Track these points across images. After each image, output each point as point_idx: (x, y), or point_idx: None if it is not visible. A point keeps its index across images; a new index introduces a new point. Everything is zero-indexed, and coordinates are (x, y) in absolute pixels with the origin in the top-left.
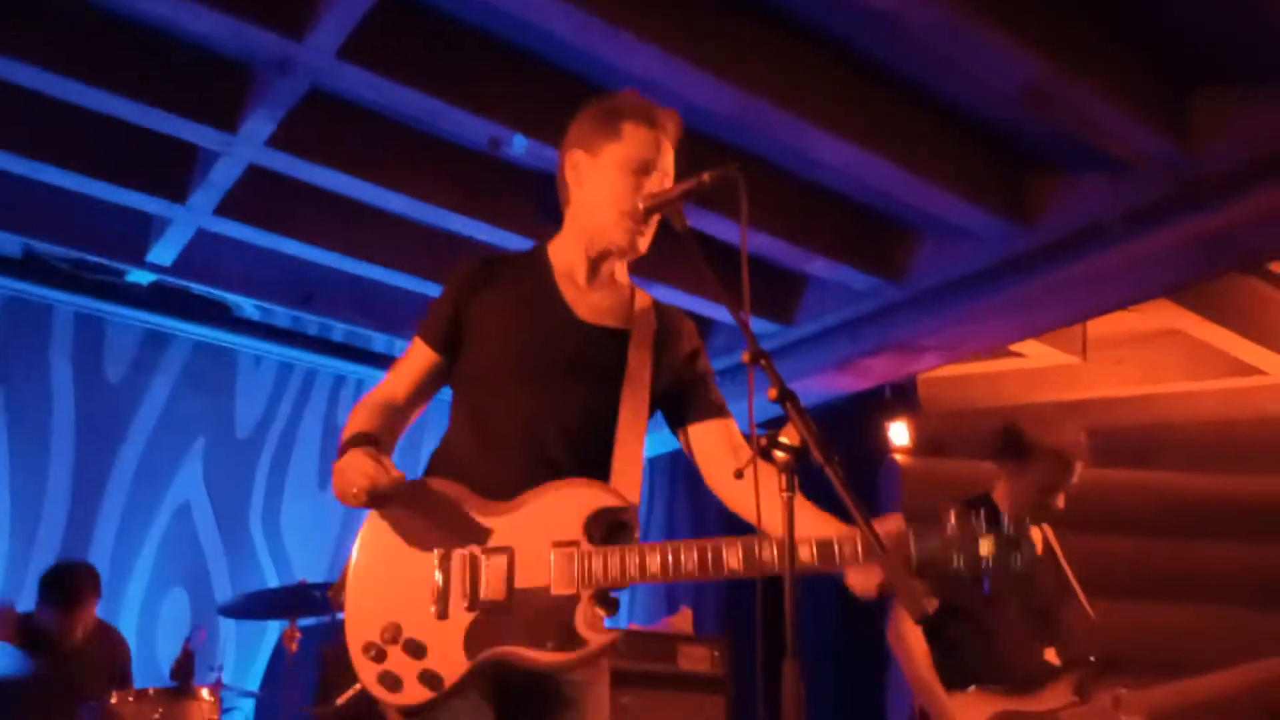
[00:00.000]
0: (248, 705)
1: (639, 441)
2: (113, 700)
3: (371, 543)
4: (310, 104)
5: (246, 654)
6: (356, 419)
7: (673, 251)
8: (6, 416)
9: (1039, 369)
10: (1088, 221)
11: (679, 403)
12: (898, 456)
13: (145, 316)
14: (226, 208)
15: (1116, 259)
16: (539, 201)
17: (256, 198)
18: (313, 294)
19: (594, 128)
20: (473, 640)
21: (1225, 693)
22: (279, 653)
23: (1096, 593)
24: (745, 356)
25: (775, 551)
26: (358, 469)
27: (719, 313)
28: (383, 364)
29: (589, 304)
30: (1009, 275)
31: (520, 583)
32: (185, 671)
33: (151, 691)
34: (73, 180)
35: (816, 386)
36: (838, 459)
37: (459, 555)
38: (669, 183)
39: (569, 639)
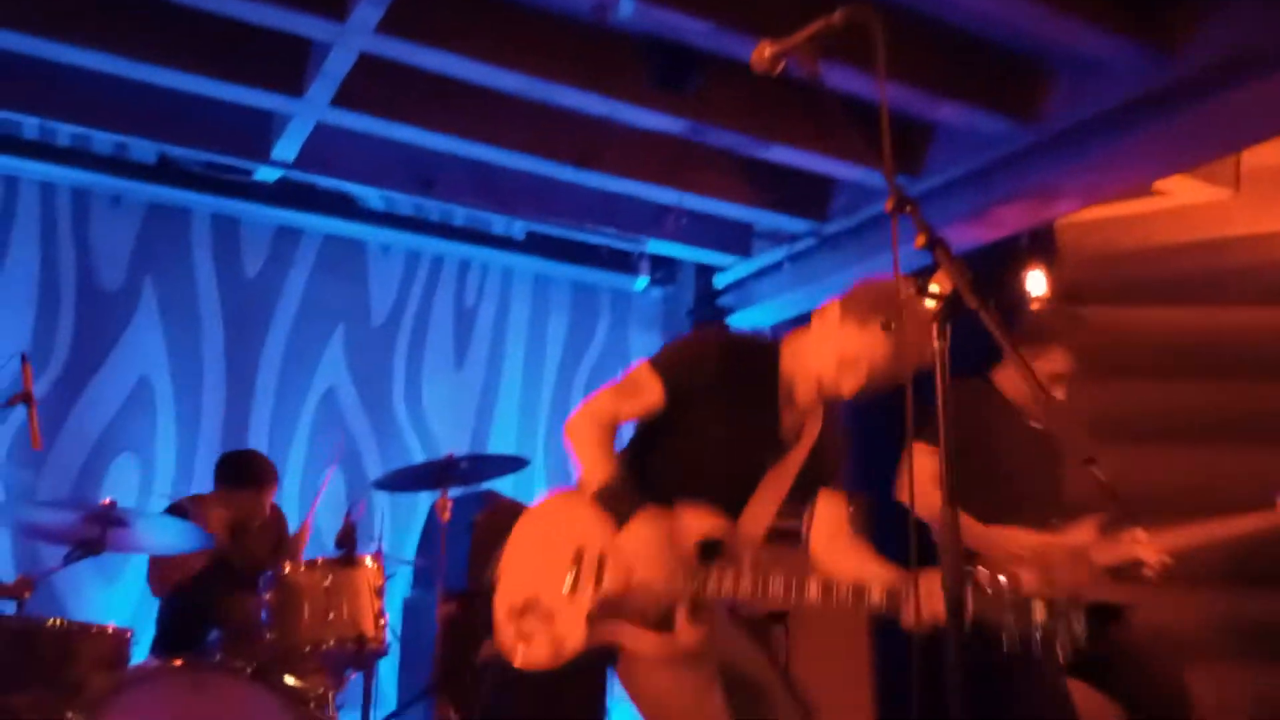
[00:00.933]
0: (406, 571)
1: (772, 506)
2: (286, 570)
3: (525, 530)
4: None
5: (400, 525)
6: (608, 458)
7: (791, 109)
8: (161, 316)
9: (1185, 207)
10: (1238, 48)
11: None
12: (1036, 306)
13: (276, 212)
14: (343, 98)
15: (1272, 87)
16: (648, 68)
17: (371, 86)
18: (433, 180)
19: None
20: (591, 618)
21: (1245, 535)
22: (432, 522)
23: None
24: (889, 205)
25: (847, 592)
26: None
27: (840, 170)
28: (504, 246)
29: (792, 422)
30: (1151, 110)
31: (636, 580)
32: (349, 541)
33: (320, 561)
34: (195, 83)
35: (948, 239)
36: (992, 302)
37: (592, 550)
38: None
39: (667, 625)
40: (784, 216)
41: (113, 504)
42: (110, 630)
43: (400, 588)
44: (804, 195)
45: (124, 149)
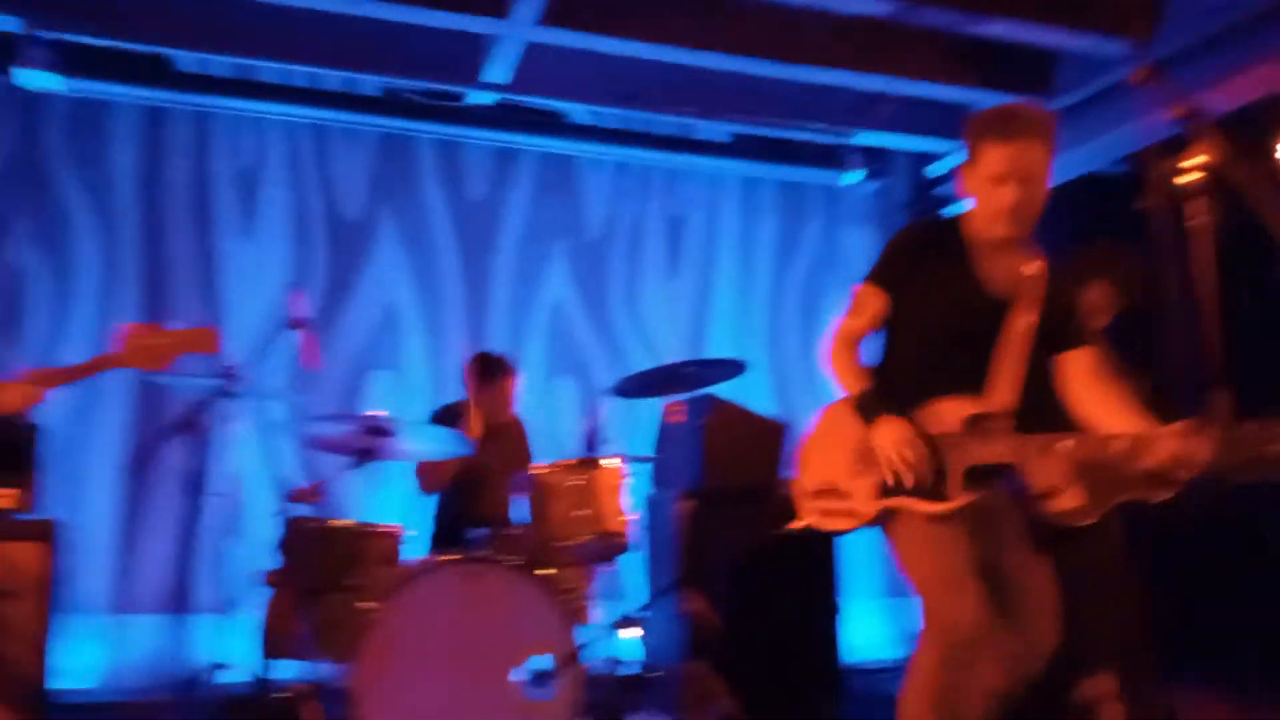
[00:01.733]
0: (643, 471)
1: (1017, 378)
2: (538, 472)
3: (820, 426)
4: None
5: (639, 426)
6: (858, 376)
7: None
8: (401, 242)
9: None
10: None
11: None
12: None
13: (492, 135)
14: (548, 18)
15: None
16: None
17: (575, 3)
18: (636, 91)
19: (968, 142)
20: (881, 490)
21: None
22: (663, 425)
23: None
24: (1137, 76)
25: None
26: (908, 452)
27: (1065, 42)
28: (706, 151)
29: (1002, 279)
30: None
31: (906, 459)
32: (592, 443)
33: (567, 463)
34: (409, 13)
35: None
36: (1272, 166)
37: (877, 437)
38: (1015, 197)
39: (940, 495)
40: (1002, 95)
41: (383, 415)
42: (388, 529)
43: (641, 486)
44: (1024, 71)
45: (353, 84)
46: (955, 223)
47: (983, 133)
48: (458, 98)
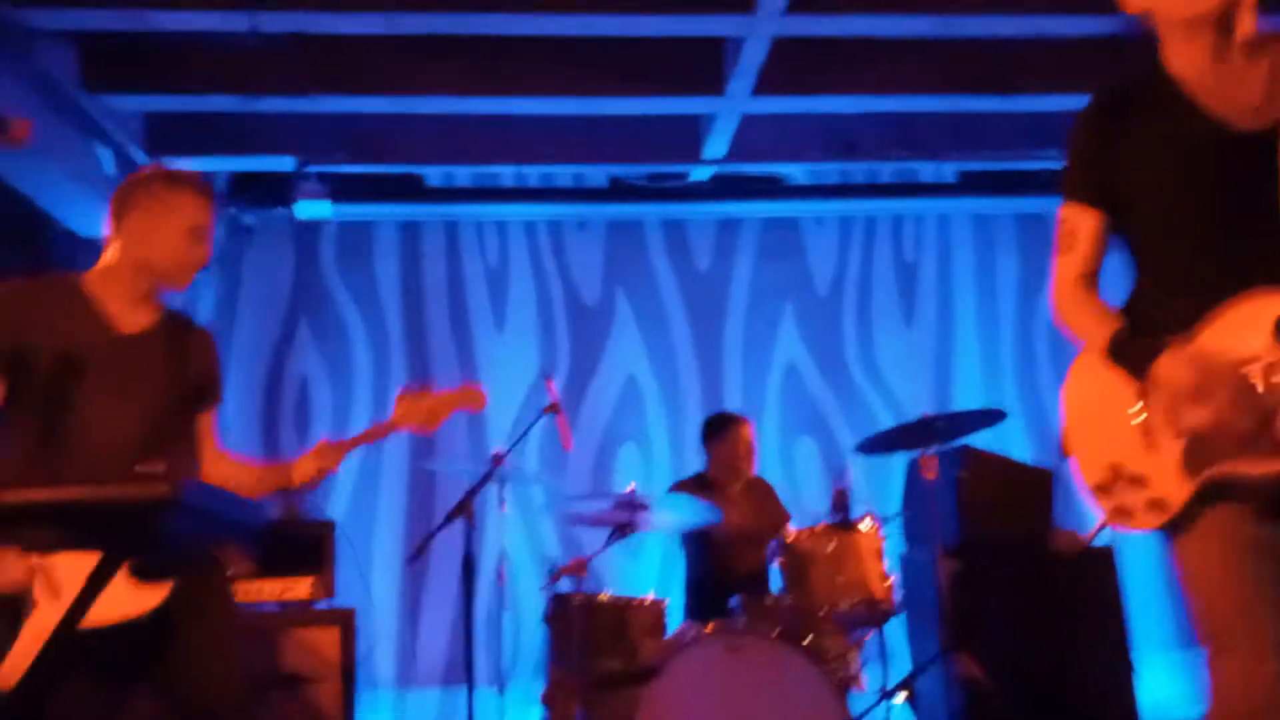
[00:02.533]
0: (894, 529)
1: None
2: (792, 537)
3: (1074, 401)
4: None
5: (879, 484)
6: (1103, 317)
7: None
8: (635, 320)
9: None
10: None
11: None
12: None
13: (715, 208)
14: (761, 87)
15: None
16: None
17: (786, 68)
18: (855, 143)
19: None
20: (1190, 465)
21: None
22: (913, 480)
23: None
24: None
25: None
26: (1217, 392)
27: None
28: (932, 193)
29: (1244, 103)
30: None
31: (1214, 403)
32: (843, 507)
33: (820, 528)
34: (630, 105)
35: None
36: None
37: (1154, 391)
38: None
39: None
40: None
41: (635, 489)
42: (650, 601)
43: (894, 546)
44: None
45: (581, 178)
46: (1150, 68)
47: None
48: (681, 176)
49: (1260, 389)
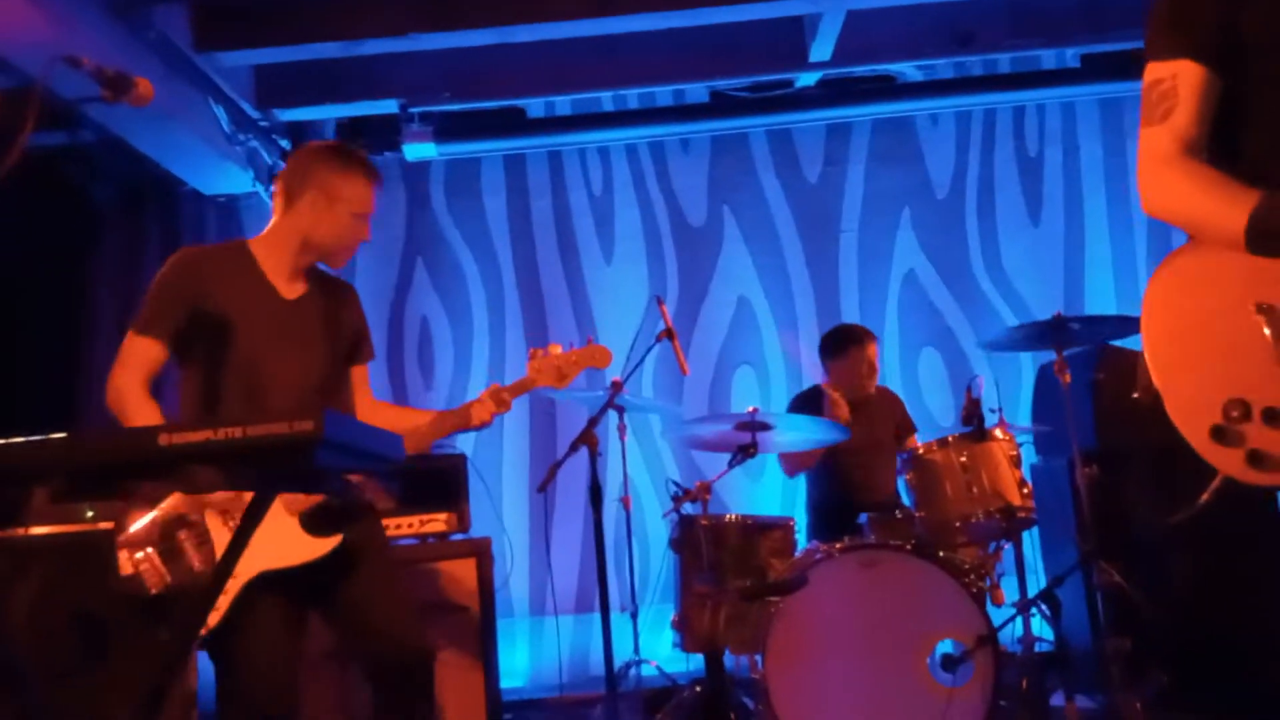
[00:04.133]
0: (1028, 437)
1: None
2: (920, 450)
3: (1164, 319)
4: None
5: (1008, 392)
6: (1231, 190)
7: None
8: (744, 239)
9: None
10: None
11: None
12: None
13: (822, 114)
14: None
15: None
16: None
17: None
18: (971, 32)
19: None
20: None
21: None
22: (1045, 385)
23: None
24: None
25: None
26: None
27: None
28: (1058, 81)
29: None
30: None
31: None
32: (976, 416)
33: (952, 439)
34: (726, 12)
35: None
36: None
37: None
38: None
39: None
40: None
41: (756, 410)
42: (778, 521)
43: (1026, 455)
44: None
45: (681, 95)
46: None
47: None
48: (786, 84)
49: None
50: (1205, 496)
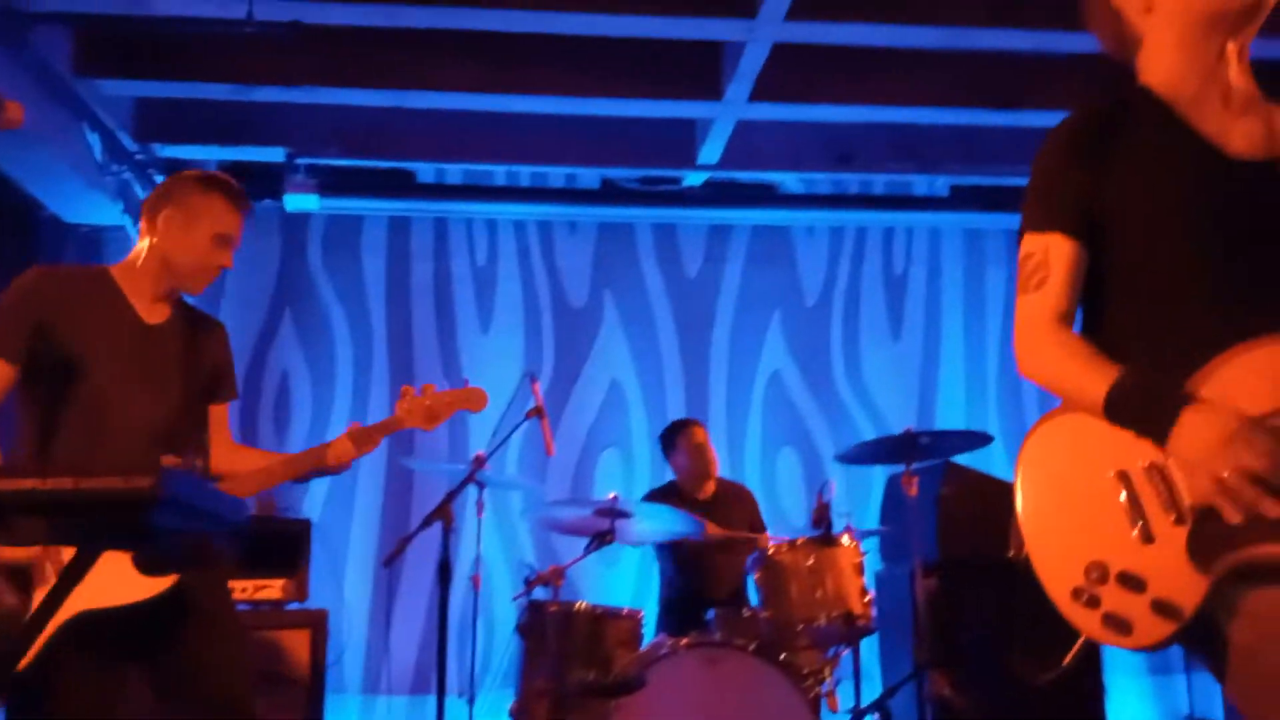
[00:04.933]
0: (872, 544)
1: None
2: (770, 551)
3: (1035, 480)
4: None
5: (858, 498)
6: (1095, 361)
7: None
8: (621, 323)
9: None
10: None
11: None
12: None
13: (706, 213)
14: (758, 93)
15: None
16: None
17: (785, 75)
18: (850, 154)
19: None
20: (1201, 555)
21: None
22: (893, 496)
23: None
24: None
25: None
26: (1259, 459)
27: None
28: (927, 207)
29: (1240, 134)
30: None
31: (1235, 465)
32: (824, 520)
33: (800, 541)
34: (625, 106)
35: None
36: None
37: (1138, 469)
38: None
39: None
40: None
41: (617, 498)
42: (626, 613)
43: (870, 562)
44: None
45: (574, 179)
46: (1132, 90)
47: None
48: (674, 181)
49: None
50: (1068, 659)
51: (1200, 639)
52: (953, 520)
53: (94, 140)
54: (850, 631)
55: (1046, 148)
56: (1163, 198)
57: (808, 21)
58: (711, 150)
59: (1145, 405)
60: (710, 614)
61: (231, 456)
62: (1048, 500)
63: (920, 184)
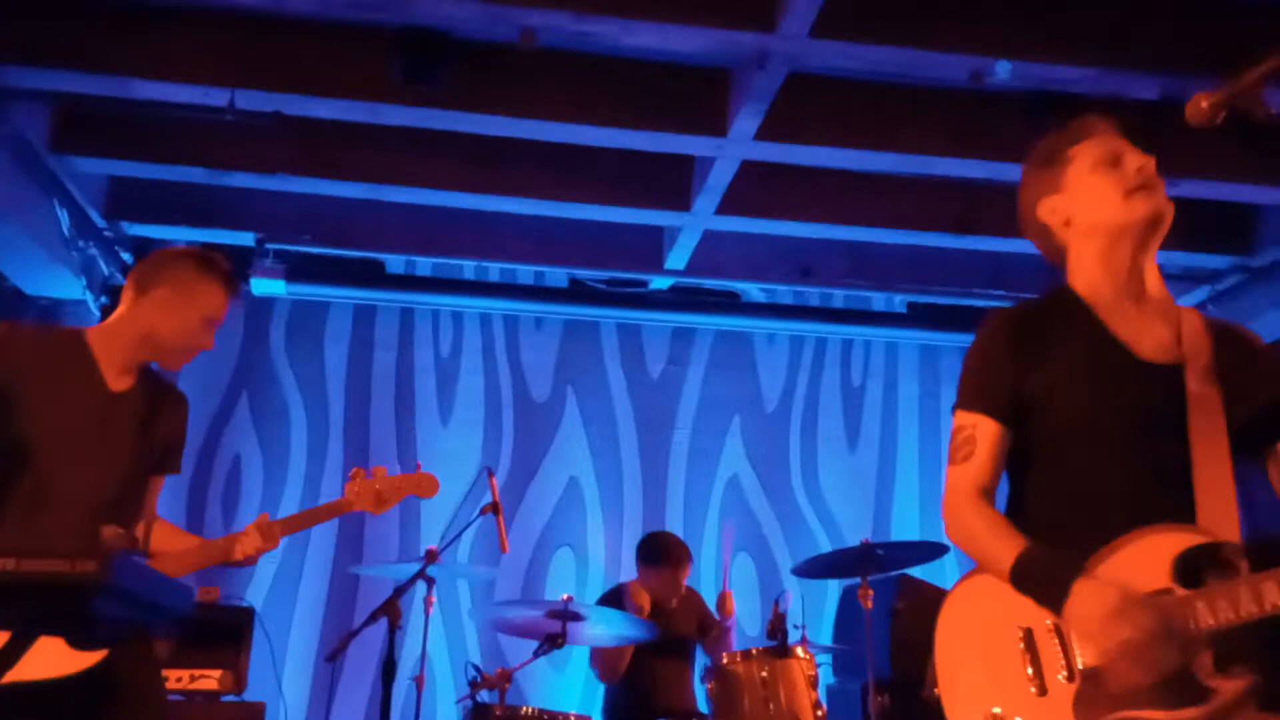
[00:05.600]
0: (827, 659)
1: (1225, 476)
2: (724, 661)
3: (951, 630)
4: (790, 89)
5: (812, 609)
6: (1006, 533)
7: (1199, 140)
8: (582, 421)
9: None
10: None
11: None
12: None
13: (671, 317)
14: (725, 206)
15: None
16: (1029, 124)
17: (751, 190)
18: (811, 268)
19: (1043, 173)
20: (1084, 712)
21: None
22: (847, 608)
23: None
24: None
25: None
26: (1138, 632)
27: (1269, 197)
28: (884, 322)
29: (1150, 339)
30: None
31: (1119, 645)
32: (780, 631)
33: (755, 651)
34: (596, 211)
35: None
36: None
37: (1041, 627)
38: (1144, 161)
39: (1193, 692)
40: (1201, 255)
41: (570, 600)
42: (574, 718)
43: (823, 675)
44: (1224, 229)
45: (541, 277)
46: (1058, 291)
47: (1058, 147)
48: (640, 284)
49: (1190, 626)
50: None
51: None
52: (906, 634)
53: (63, 215)
54: None
55: (984, 334)
56: (1080, 394)
57: (775, 142)
58: (678, 257)
59: (1044, 576)
60: None
61: (158, 530)
62: (959, 650)
63: (878, 299)
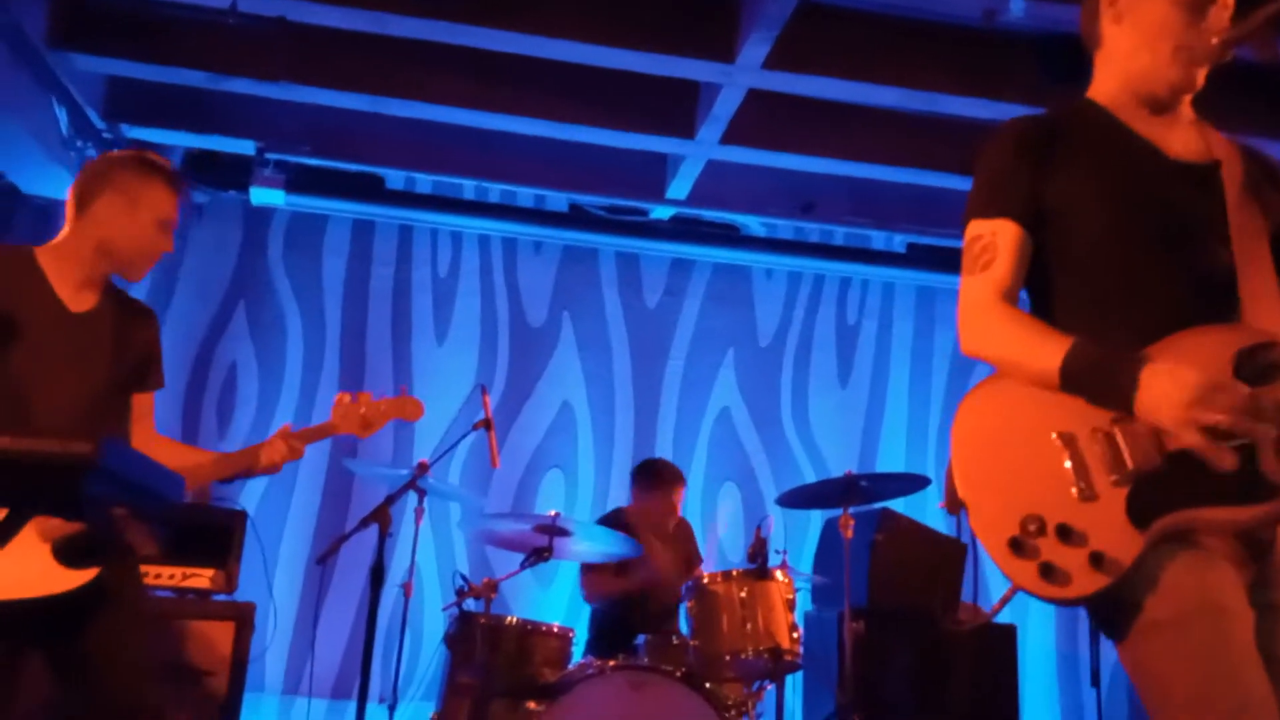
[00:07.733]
0: (804, 586)
1: (1271, 279)
2: (705, 580)
3: (971, 438)
4: (800, 18)
5: (795, 540)
6: (1047, 333)
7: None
8: (578, 346)
9: None
10: None
11: None
12: None
13: (670, 247)
14: (730, 136)
15: None
16: (1040, 66)
17: (756, 121)
18: (813, 203)
19: None
20: (1139, 513)
21: None
22: (829, 539)
23: None
24: None
25: None
26: (1219, 396)
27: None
28: (883, 261)
29: (1178, 140)
30: None
31: (1174, 442)
32: (761, 555)
33: (735, 572)
34: (599, 135)
35: None
36: None
37: (1085, 431)
38: (1224, 28)
39: (1260, 489)
40: None
41: (558, 515)
42: (556, 629)
43: (801, 602)
44: None
45: (542, 201)
46: (1076, 103)
47: None
48: (641, 212)
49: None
50: (998, 606)
51: (1114, 604)
52: (884, 567)
53: (61, 114)
54: (777, 667)
55: (993, 147)
56: (1109, 192)
57: (783, 71)
58: (680, 186)
59: (1104, 372)
60: (640, 639)
61: (152, 447)
62: (984, 457)
63: (878, 238)
